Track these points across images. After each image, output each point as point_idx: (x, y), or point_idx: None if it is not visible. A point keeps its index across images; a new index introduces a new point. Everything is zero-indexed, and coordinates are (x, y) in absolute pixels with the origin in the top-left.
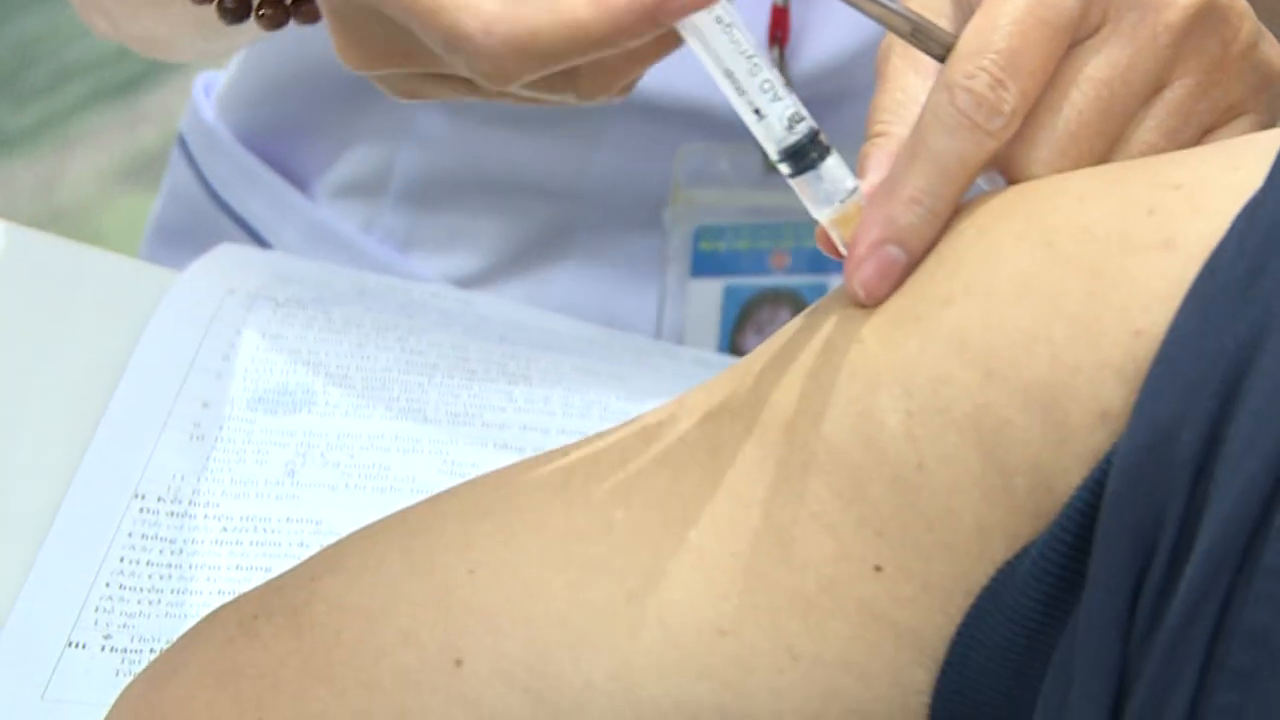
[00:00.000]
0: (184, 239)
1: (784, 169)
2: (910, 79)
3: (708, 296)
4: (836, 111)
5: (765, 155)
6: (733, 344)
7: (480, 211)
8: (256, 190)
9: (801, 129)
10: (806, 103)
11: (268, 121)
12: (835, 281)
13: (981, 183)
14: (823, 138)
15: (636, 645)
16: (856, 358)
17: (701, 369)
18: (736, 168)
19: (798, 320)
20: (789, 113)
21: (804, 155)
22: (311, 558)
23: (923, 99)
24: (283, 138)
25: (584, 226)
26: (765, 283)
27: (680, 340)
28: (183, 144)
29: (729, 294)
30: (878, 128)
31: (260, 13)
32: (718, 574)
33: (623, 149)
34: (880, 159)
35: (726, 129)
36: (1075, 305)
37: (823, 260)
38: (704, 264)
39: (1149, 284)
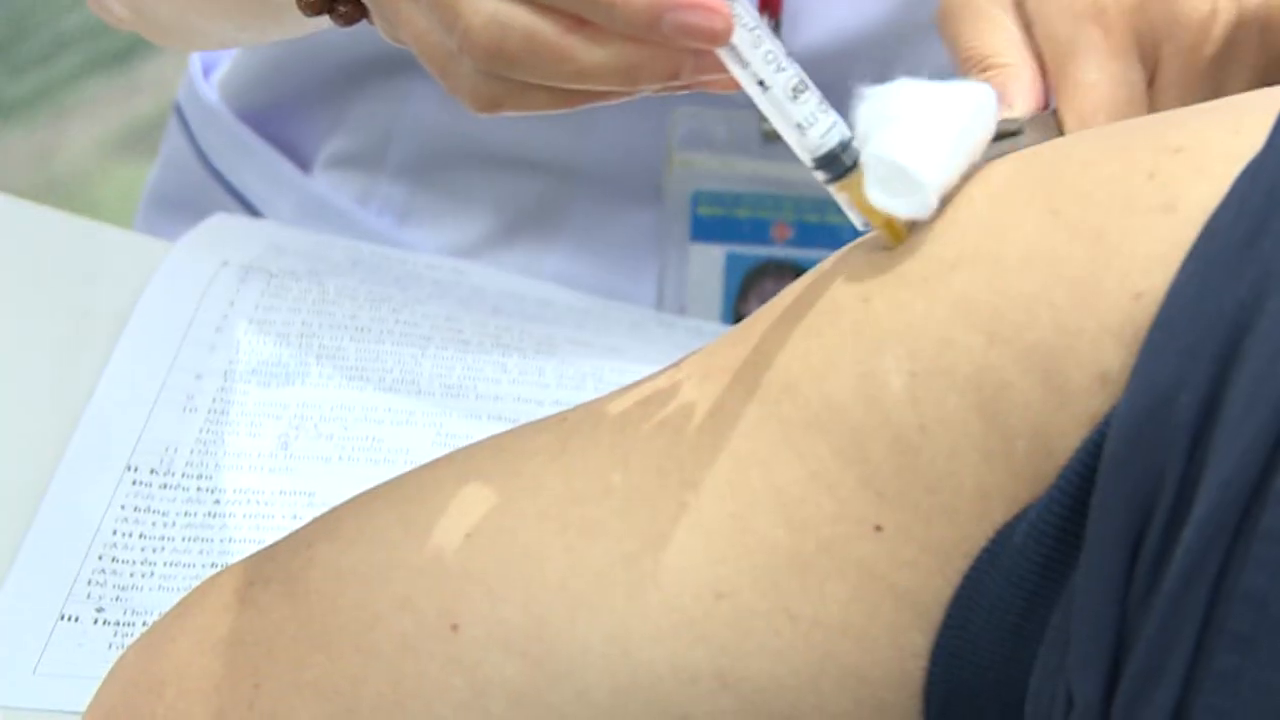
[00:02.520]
0: (179, 208)
1: (820, 176)
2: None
3: (710, 263)
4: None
5: (763, 123)
6: (736, 313)
7: (477, 183)
8: (251, 162)
9: (813, 111)
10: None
11: (267, 100)
12: None
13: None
14: (855, 145)
15: (634, 609)
16: (861, 318)
17: (698, 338)
18: (734, 135)
19: (801, 280)
20: (792, 83)
21: (837, 162)
22: (307, 525)
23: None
24: (281, 115)
25: (581, 200)
26: (768, 253)
27: (683, 308)
28: (179, 114)
29: (731, 261)
30: (1004, 58)
31: (339, 9)
32: (716, 536)
33: (617, 121)
34: (1022, 89)
35: (724, 97)
36: (1077, 269)
37: (825, 235)
38: (704, 229)
39: (1149, 247)
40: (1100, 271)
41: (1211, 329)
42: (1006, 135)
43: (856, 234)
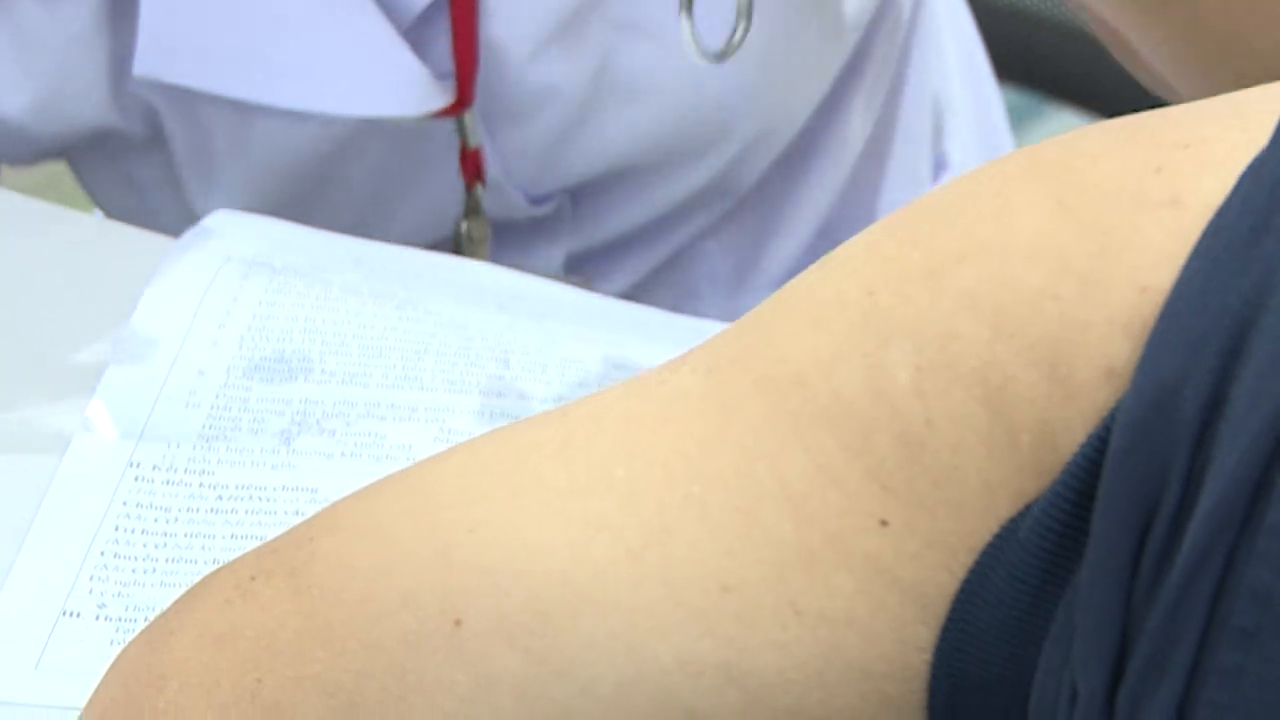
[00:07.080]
0: None
1: None
2: None
3: None
4: None
5: None
6: None
7: None
8: None
9: None
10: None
11: None
12: None
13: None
14: None
15: (638, 603)
16: (868, 310)
17: (701, 337)
18: None
19: (806, 274)
20: None
21: None
22: (309, 519)
23: None
24: None
25: None
26: None
27: None
28: None
29: None
30: None
31: None
32: (722, 529)
33: None
34: None
35: None
36: (1084, 263)
37: None
38: None
39: (1156, 241)
40: (1108, 265)
41: (1216, 324)
42: None
43: None
